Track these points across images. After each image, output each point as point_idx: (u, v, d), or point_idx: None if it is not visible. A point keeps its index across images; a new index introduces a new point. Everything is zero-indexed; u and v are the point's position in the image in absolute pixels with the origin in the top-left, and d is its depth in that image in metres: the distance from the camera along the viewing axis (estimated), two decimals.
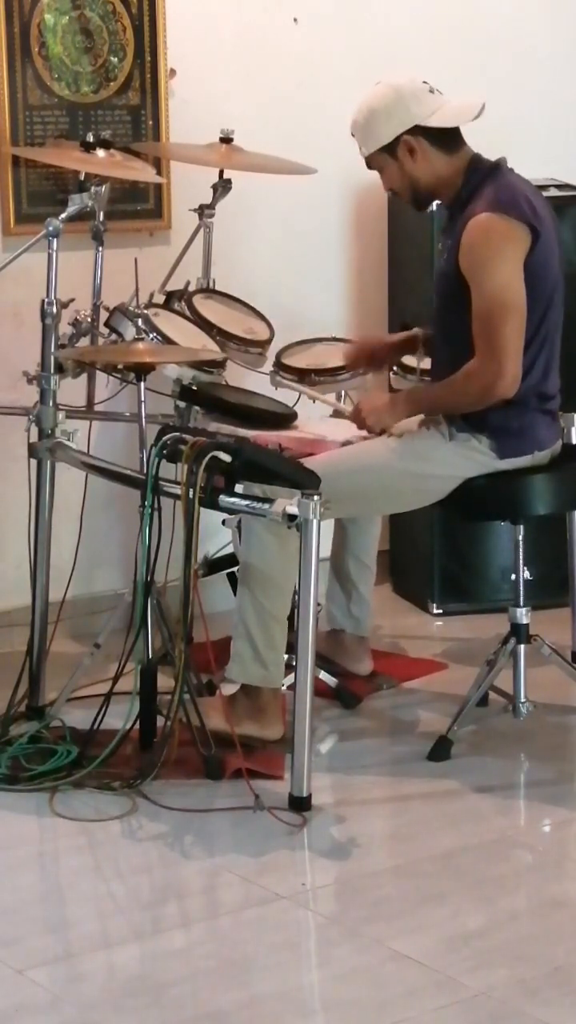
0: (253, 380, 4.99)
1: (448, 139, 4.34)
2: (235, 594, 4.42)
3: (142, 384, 4.44)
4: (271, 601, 4.27)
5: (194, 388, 4.64)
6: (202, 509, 4.06)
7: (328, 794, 4.18)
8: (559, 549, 4.94)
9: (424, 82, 4.34)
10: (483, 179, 4.31)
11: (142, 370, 4.43)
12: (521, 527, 4.44)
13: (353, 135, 4.43)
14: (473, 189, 4.31)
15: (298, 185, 5.25)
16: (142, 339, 4.46)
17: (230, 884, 3.74)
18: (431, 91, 4.33)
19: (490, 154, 4.40)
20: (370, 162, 4.43)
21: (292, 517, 3.96)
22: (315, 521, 3.94)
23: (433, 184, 4.38)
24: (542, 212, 4.32)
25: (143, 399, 4.46)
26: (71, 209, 4.45)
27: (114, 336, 4.60)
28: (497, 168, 4.36)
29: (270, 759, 4.26)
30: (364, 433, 4.55)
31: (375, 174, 4.45)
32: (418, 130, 4.32)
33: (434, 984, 3.30)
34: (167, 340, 4.56)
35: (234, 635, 4.32)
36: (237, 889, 3.72)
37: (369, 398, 4.57)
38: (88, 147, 4.65)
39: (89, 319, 4.63)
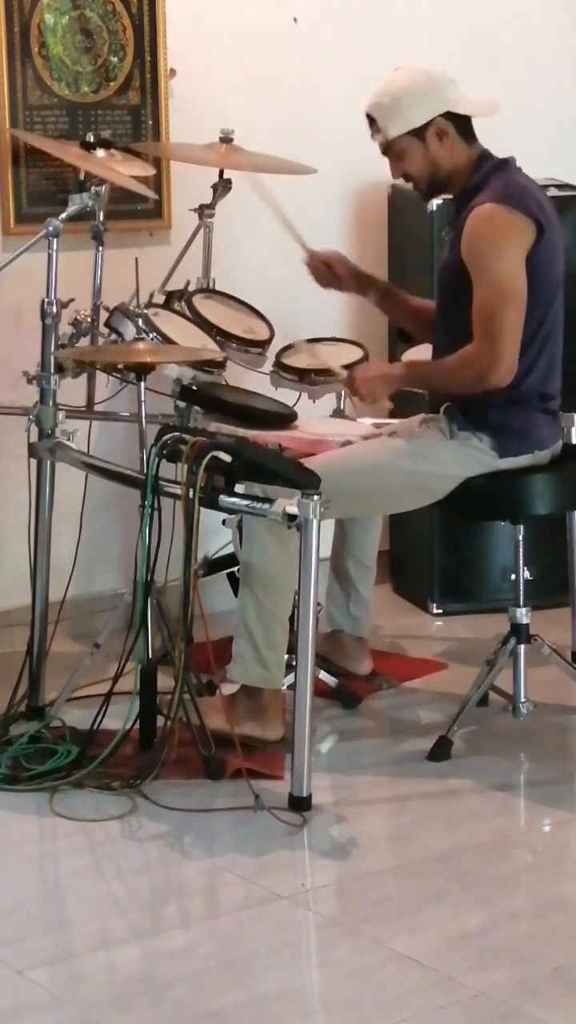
0: (253, 380, 4.99)
1: (469, 129, 4.36)
2: (235, 594, 4.43)
3: (142, 384, 4.44)
4: (272, 601, 4.27)
5: (194, 388, 4.64)
6: (202, 509, 4.06)
7: (328, 794, 4.18)
8: (559, 549, 4.94)
9: (443, 72, 4.35)
10: (490, 173, 4.33)
11: (142, 370, 4.43)
12: (521, 527, 4.44)
13: (371, 117, 4.37)
14: (480, 182, 4.32)
15: (298, 185, 5.24)
16: (142, 339, 4.46)
17: (230, 884, 3.74)
18: (453, 81, 4.35)
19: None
20: (391, 146, 4.37)
21: (292, 517, 3.96)
22: (315, 521, 3.94)
23: (449, 172, 4.37)
24: (548, 211, 4.32)
25: (143, 399, 4.46)
26: (71, 209, 4.45)
27: (114, 336, 4.60)
28: (505, 164, 4.37)
29: (270, 759, 4.26)
30: (364, 433, 4.56)
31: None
32: (448, 116, 4.33)
33: (434, 984, 3.30)
34: (167, 340, 4.56)
35: (235, 635, 4.32)
36: (237, 889, 3.72)
37: (365, 368, 4.58)
38: (88, 147, 4.65)
39: (89, 319, 4.63)
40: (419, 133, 4.34)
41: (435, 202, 5.16)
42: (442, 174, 4.38)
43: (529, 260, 4.24)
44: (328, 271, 4.71)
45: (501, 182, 4.30)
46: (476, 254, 4.24)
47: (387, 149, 4.39)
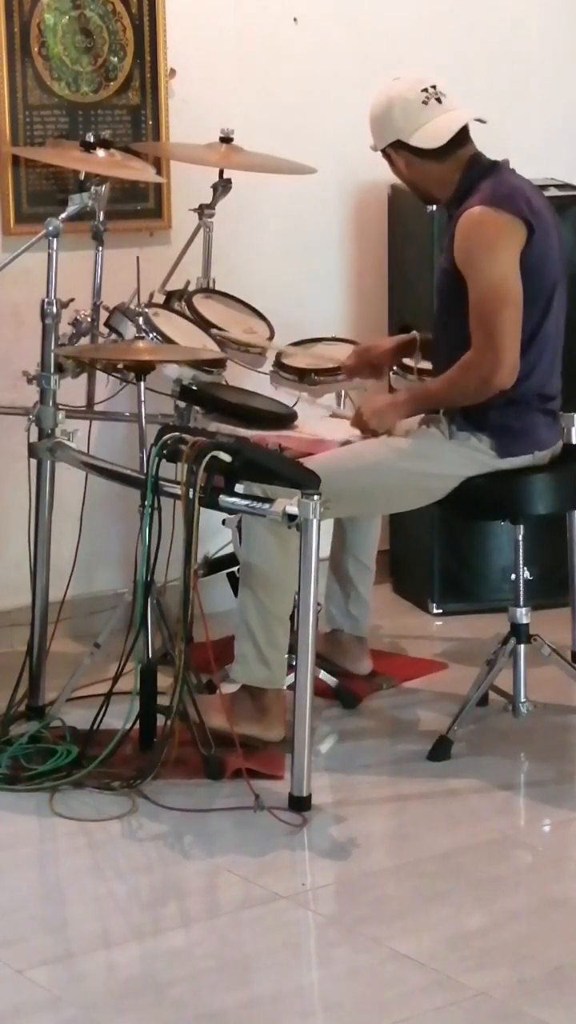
0: (253, 380, 4.99)
1: (434, 151, 4.35)
2: (235, 594, 4.43)
3: (142, 384, 4.44)
4: (273, 601, 4.27)
5: (194, 388, 4.64)
6: (202, 509, 4.06)
7: (328, 794, 4.18)
8: (559, 549, 4.94)
9: (425, 89, 4.34)
10: (480, 177, 4.33)
11: (142, 370, 4.43)
12: (521, 527, 4.44)
13: None
14: (469, 186, 4.32)
15: (298, 185, 5.25)
16: (142, 339, 4.46)
17: (230, 884, 3.74)
18: (426, 101, 4.33)
19: (490, 155, 4.40)
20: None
21: (292, 517, 3.96)
22: (315, 521, 3.94)
23: (428, 186, 4.43)
24: (540, 210, 4.32)
25: (143, 399, 4.46)
26: (71, 209, 4.46)
27: (114, 336, 4.60)
28: (495, 166, 4.37)
29: (270, 759, 4.26)
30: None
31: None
32: (400, 144, 4.37)
33: (434, 984, 3.30)
34: (167, 340, 4.56)
35: (237, 636, 4.31)
36: (237, 889, 3.72)
37: (370, 400, 4.57)
38: (88, 147, 4.65)
39: (89, 319, 4.63)
40: (385, 154, 4.44)
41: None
42: (421, 188, 4.46)
43: (522, 260, 4.24)
44: (370, 368, 4.75)
45: (490, 184, 4.30)
46: (469, 258, 4.24)
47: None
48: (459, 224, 4.27)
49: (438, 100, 4.34)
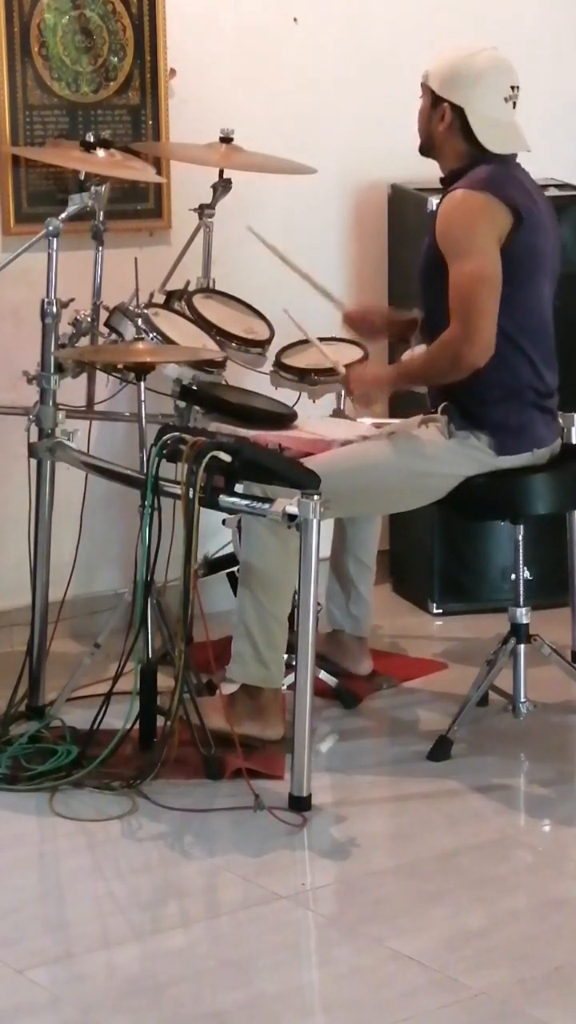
0: (253, 380, 4.99)
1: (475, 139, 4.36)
2: (235, 594, 4.43)
3: (142, 384, 4.45)
4: (271, 601, 4.28)
5: (194, 388, 4.64)
6: (202, 509, 4.06)
7: (328, 794, 4.18)
8: (559, 549, 4.94)
9: (513, 87, 4.35)
10: (478, 165, 4.33)
11: (142, 370, 4.43)
12: (521, 527, 4.44)
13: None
14: (468, 169, 4.33)
15: (298, 185, 5.25)
16: (142, 339, 4.46)
17: (230, 884, 3.75)
18: (507, 99, 4.34)
19: None
20: (423, 83, 4.43)
21: (292, 517, 3.96)
22: (315, 521, 3.94)
23: (443, 149, 4.41)
24: (535, 205, 4.32)
25: (143, 399, 4.46)
26: (71, 209, 4.46)
27: (114, 336, 4.60)
28: (499, 159, 4.37)
29: (270, 759, 4.26)
30: (364, 433, 4.56)
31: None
32: (460, 112, 4.34)
33: (434, 984, 3.30)
34: (167, 340, 4.56)
35: (235, 635, 4.32)
36: (237, 889, 3.72)
37: (361, 370, 4.59)
38: (88, 147, 4.65)
39: (89, 319, 4.63)
40: (436, 98, 4.38)
41: (435, 201, 5.16)
42: (432, 142, 4.44)
43: (509, 249, 4.25)
44: (367, 324, 4.76)
45: (485, 170, 4.31)
46: (449, 237, 4.27)
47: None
48: (441, 205, 4.31)
49: (513, 105, 4.36)
